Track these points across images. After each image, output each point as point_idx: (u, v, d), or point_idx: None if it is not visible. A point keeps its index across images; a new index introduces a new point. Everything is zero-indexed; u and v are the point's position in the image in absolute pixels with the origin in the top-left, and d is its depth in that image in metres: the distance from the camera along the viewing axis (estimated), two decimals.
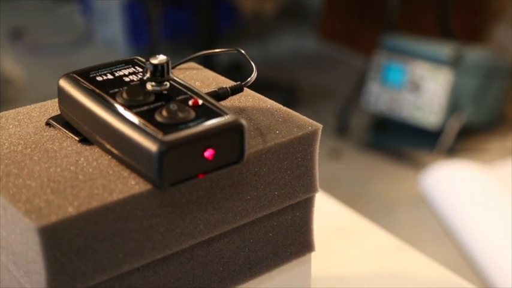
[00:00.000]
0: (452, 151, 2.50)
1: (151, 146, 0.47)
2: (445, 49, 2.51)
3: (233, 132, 0.50)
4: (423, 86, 2.50)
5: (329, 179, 2.36)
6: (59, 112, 0.57)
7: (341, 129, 2.68)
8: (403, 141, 2.59)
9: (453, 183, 2.10)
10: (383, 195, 2.35)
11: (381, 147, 2.58)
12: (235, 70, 2.83)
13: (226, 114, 0.51)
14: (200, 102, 0.52)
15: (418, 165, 2.44)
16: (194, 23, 3.12)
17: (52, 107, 0.60)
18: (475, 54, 2.55)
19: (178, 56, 3.20)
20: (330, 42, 3.38)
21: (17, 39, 3.38)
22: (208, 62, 2.80)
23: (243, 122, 0.50)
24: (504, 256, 1.76)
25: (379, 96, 2.59)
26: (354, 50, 3.24)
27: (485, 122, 2.63)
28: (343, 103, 2.72)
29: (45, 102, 0.61)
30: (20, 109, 0.60)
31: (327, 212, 0.85)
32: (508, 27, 3.01)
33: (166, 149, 0.47)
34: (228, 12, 3.39)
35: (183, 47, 3.25)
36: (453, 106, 2.50)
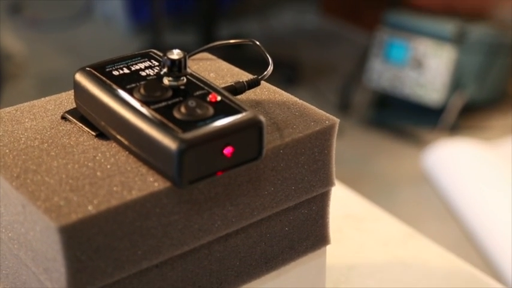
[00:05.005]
0: (455, 128, 2.50)
1: (170, 144, 0.47)
2: (448, 26, 2.50)
3: (252, 130, 0.50)
4: (426, 63, 2.50)
5: None
6: (74, 105, 0.57)
7: (343, 106, 2.67)
8: (405, 119, 2.59)
9: (455, 161, 2.11)
10: (385, 172, 2.36)
11: (383, 125, 2.58)
12: (237, 45, 2.81)
13: (245, 110, 0.50)
14: (218, 98, 0.51)
15: (420, 143, 2.44)
16: None
17: (67, 99, 0.60)
18: (478, 31, 2.54)
19: (180, 32, 3.16)
20: (332, 17, 3.37)
21: (17, 13, 3.36)
22: (209, 39, 2.79)
23: (262, 118, 0.50)
24: (505, 233, 1.77)
25: (382, 73, 2.59)
26: (356, 26, 3.22)
27: (488, 99, 2.63)
28: (345, 80, 2.71)
29: (59, 95, 0.60)
30: (35, 102, 0.59)
31: (337, 199, 0.85)
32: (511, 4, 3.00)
33: (186, 147, 0.47)
34: None
35: (184, 23, 3.23)
36: (456, 83, 2.50)
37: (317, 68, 2.96)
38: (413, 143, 2.47)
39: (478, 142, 2.17)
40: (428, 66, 2.49)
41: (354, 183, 1.51)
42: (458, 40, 2.46)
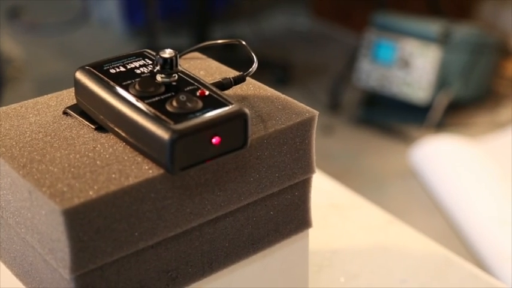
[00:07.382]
0: (441, 125, 2.54)
1: (163, 134, 0.52)
2: (433, 26, 2.55)
3: (238, 121, 0.54)
4: (412, 62, 2.55)
5: (322, 153, 2.39)
6: (74, 101, 0.61)
7: (333, 105, 2.72)
8: (393, 117, 2.64)
9: (441, 157, 2.15)
10: (374, 168, 2.40)
11: (371, 123, 2.63)
12: (229, 47, 2.85)
13: (231, 103, 0.55)
14: (207, 92, 0.56)
15: (407, 140, 2.49)
16: (188, 2, 3.14)
17: (68, 96, 0.64)
18: (463, 31, 2.59)
19: (174, 35, 3.18)
20: (322, 19, 3.41)
21: (15, 18, 3.39)
22: (202, 41, 2.83)
23: (247, 111, 0.55)
24: (488, 226, 1.82)
25: (370, 73, 2.63)
26: (345, 27, 3.27)
27: (473, 97, 2.67)
28: (335, 80, 2.76)
29: (61, 92, 0.65)
30: (38, 99, 0.64)
31: (323, 190, 0.90)
32: (495, 4, 3.05)
33: (178, 137, 0.52)
34: None
35: (178, 26, 3.27)
36: (442, 82, 2.55)
37: (308, 68, 3.00)
38: (401, 140, 2.52)
39: (463, 138, 2.22)
40: (414, 66, 2.54)
41: (344, 179, 1.55)
42: (443, 40, 2.51)
